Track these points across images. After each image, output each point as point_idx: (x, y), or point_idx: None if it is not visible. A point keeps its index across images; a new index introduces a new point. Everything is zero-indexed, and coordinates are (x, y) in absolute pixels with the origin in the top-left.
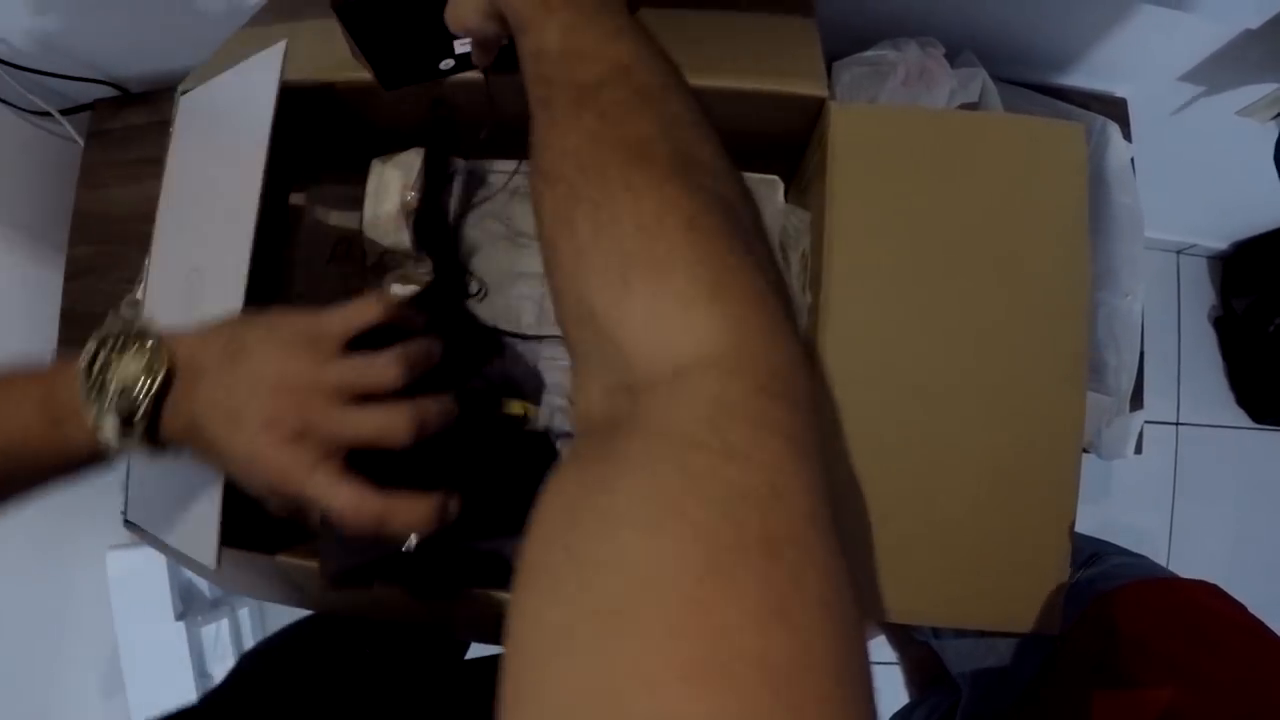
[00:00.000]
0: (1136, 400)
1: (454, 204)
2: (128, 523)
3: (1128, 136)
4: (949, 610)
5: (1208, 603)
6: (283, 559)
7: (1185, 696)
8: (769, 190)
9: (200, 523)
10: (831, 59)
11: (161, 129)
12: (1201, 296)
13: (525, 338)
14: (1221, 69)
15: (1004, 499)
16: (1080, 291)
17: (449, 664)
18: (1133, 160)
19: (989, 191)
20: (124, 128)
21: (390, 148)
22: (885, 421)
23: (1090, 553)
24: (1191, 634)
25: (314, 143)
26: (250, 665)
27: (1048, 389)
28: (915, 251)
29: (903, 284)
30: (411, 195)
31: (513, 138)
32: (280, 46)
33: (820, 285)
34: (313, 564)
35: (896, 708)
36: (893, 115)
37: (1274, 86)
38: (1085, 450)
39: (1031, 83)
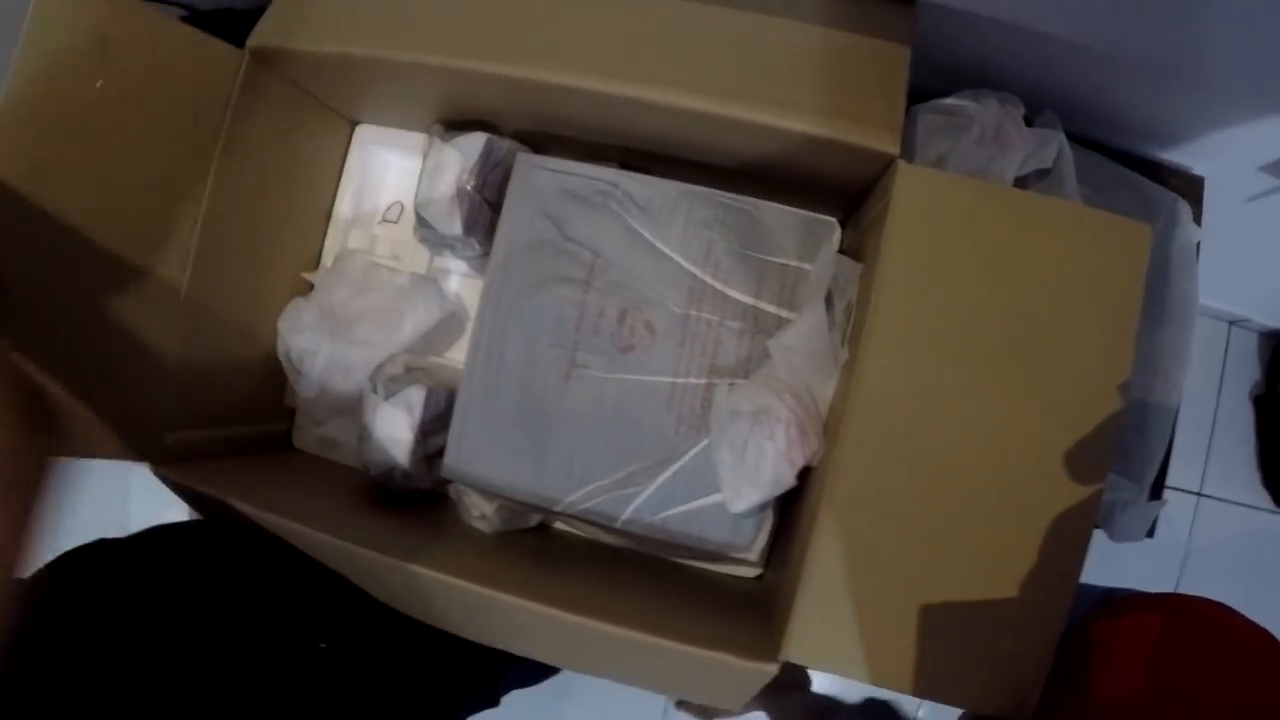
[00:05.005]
0: (1157, 490)
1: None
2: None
3: (1198, 215)
4: (927, 684)
5: (1216, 615)
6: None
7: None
8: (825, 232)
9: None
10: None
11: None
12: (1247, 371)
13: None
14: None
15: (1001, 584)
16: (1115, 395)
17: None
18: (1198, 245)
19: (1043, 278)
20: None
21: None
22: (896, 487)
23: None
24: (1198, 645)
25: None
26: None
27: (1065, 486)
28: (957, 326)
29: (939, 357)
30: (468, 181)
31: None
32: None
33: (858, 345)
34: None
35: None
36: (959, 186)
37: None
38: (1097, 526)
39: (1111, 146)
